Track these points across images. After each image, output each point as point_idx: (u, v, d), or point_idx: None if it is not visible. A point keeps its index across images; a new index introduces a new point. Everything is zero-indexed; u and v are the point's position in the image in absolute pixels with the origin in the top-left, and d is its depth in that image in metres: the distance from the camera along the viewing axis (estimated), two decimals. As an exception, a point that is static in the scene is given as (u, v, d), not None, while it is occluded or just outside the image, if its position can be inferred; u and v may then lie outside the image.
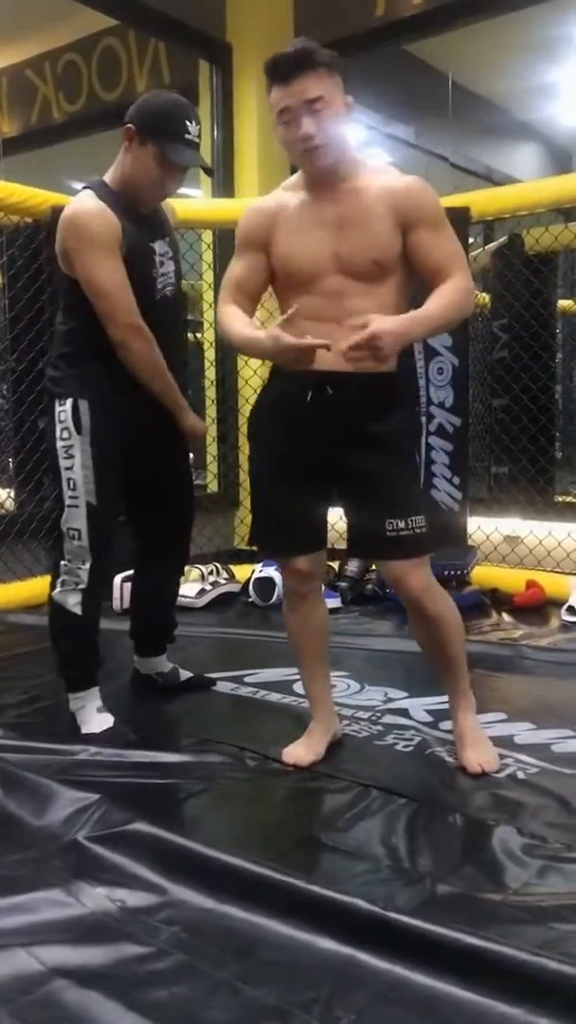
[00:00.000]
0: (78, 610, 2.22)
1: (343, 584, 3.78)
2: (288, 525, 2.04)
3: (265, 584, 3.71)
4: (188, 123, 2.13)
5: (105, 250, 2.09)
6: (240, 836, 1.79)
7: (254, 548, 2.28)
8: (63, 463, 2.18)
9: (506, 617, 3.53)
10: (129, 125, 2.12)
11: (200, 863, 1.54)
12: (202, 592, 3.69)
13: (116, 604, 3.47)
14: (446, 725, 2.25)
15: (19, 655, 2.98)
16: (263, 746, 2.15)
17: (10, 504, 4.17)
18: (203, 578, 3.76)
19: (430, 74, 5.40)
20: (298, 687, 2.62)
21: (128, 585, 3.37)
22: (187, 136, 2.13)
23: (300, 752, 2.09)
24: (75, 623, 2.23)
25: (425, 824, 1.76)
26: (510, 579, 3.80)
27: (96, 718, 2.25)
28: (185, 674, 2.61)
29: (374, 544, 1.98)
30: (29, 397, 3.81)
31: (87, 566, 2.20)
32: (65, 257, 2.15)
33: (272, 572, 3.73)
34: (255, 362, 4.46)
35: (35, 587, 3.68)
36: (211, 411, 4.65)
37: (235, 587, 3.85)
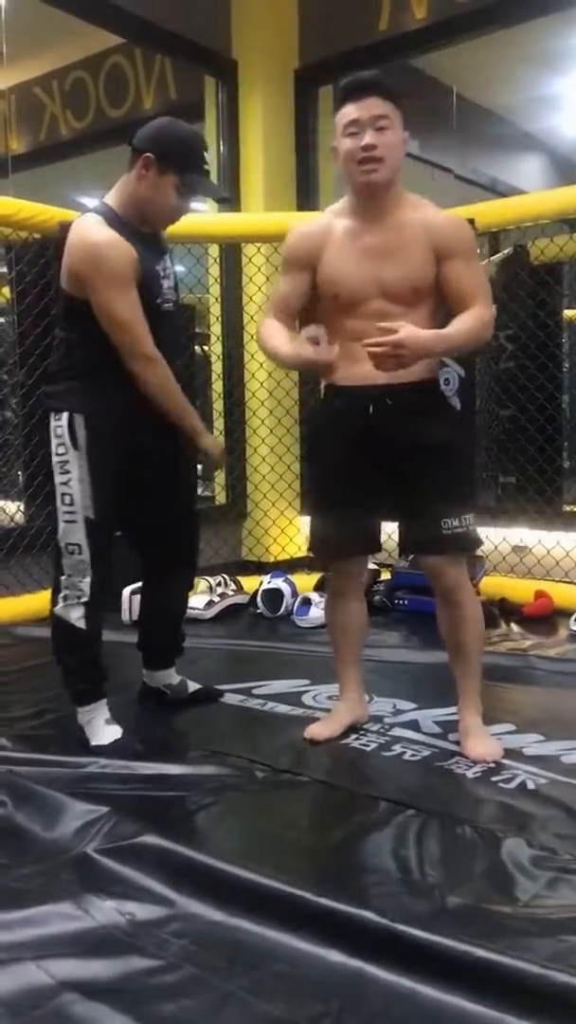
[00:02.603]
0: (82, 624, 2.22)
1: (351, 595, 3.77)
2: (346, 532, 2.21)
3: (273, 595, 3.71)
4: (204, 153, 2.20)
5: (124, 283, 2.11)
6: (249, 848, 1.79)
7: (311, 555, 2.43)
8: (59, 478, 2.18)
9: (515, 627, 3.53)
10: (148, 154, 2.13)
11: (209, 876, 1.54)
12: (210, 604, 3.69)
13: (125, 616, 3.48)
14: (455, 736, 2.25)
15: (28, 668, 2.99)
16: (272, 758, 2.15)
17: (19, 517, 4.18)
18: (211, 590, 3.76)
19: (434, 87, 5.42)
20: (307, 698, 2.63)
21: (137, 597, 3.39)
22: (205, 166, 2.19)
23: (318, 728, 2.28)
24: (79, 637, 2.24)
25: (434, 836, 1.76)
26: (519, 589, 3.79)
27: (105, 730, 2.25)
28: (193, 686, 2.62)
29: (430, 543, 2.14)
30: (39, 411, 3.83)
31: (88, 579, 2.20)
32: (76, 280, 2.15)
33: (280, 583, 3.74)
34: (261, 375, 4.49)
35: (44, 600, 3.67)
36: (219, 423, 4.67)
37: (243, 599, 3.85)
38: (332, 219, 2.14)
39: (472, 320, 2.03)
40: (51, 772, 2.02)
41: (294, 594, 3.73)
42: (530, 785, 1.98)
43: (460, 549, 2.15)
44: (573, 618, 3.43)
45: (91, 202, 7.84)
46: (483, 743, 2.16)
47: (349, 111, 2.02)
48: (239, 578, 4.00)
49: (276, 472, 4.52)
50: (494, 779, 2.02)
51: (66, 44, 5.57)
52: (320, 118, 4.79)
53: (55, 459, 2.19)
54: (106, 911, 1.49)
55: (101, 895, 1.53)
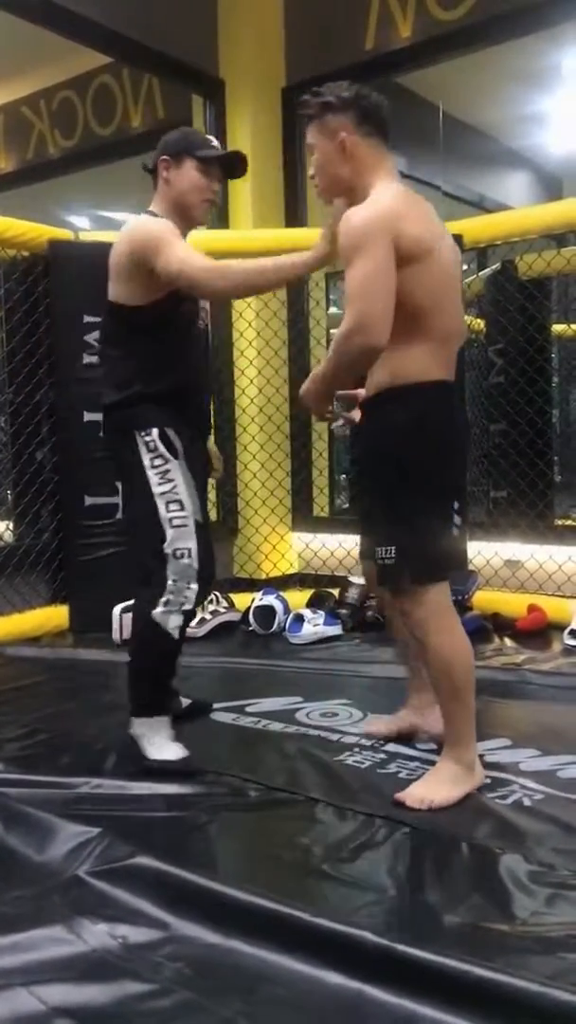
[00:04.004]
0: (176, 633, 2.18)
1: (344, 611, 3.76)
2: (363, 547, 2.33)
3: (265, 612, 3.69)
4: (209, 137, 2.37)
5: (174, 235, 2.16)
6: (244, 869, 1.76)
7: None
8: (160, 488, 2.18)
9: (508, 642, 3.51)
10: (163, 157, 2.27)
11: (203, 897, 1.52)
12: (202, 621, 3.67)
13: (116, 635, 3.46)
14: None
15: (18, 688, 2.96)
16: (266, 776, 2.13)
17: (8, 536, 4.16)
18: (203, 607, 3.74)
19: (421, 105, 5.47)
20: (300, 716, 2.61)
21: (128, 616, 3.36)
22: (213, 143, 2.33)
23: (375, 726, 2.41)
24: (169, 645, 2.20)
25: (431, 853, 1.74)
26: (511, 604, 3.79)
27: (170, 745, 2.21)
28: (185, 701, 2.60)
29: None
30: (27, 429, 3.82)
31: (194, 587, 2.19)
32: (131, 274, 2.17)
33: (272, 600, 3.72)
34: (252, 391, 4.50)
35: (34, 619, 3.68)
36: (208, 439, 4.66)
37: (235, 616, 3.83)
38: None
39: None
40: (42, 793, 1.99)
41: (286, 611, 3.71)
42: (526, 801, 1.97)
43: (381, 580, 2.07)
44: (567, 632, 3.42)
45: (79, 220, 7.81)
46: (420, 787, 1.98)
47: None
48: (231, 595, 3.98)
49: (267, 488, 4.51)
50: (490, 795, 2.00)
51: (53, 64, 5.60)
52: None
53: (152, 471, 2.19)
54: (98, 935, 1.46)
55: (93, 918, 1.50)
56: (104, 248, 2.28)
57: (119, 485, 3.72)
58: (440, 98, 5.49)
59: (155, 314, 2.21)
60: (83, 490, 3.78)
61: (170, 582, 2.17)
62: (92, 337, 3.74)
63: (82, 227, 6.86)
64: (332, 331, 5.00)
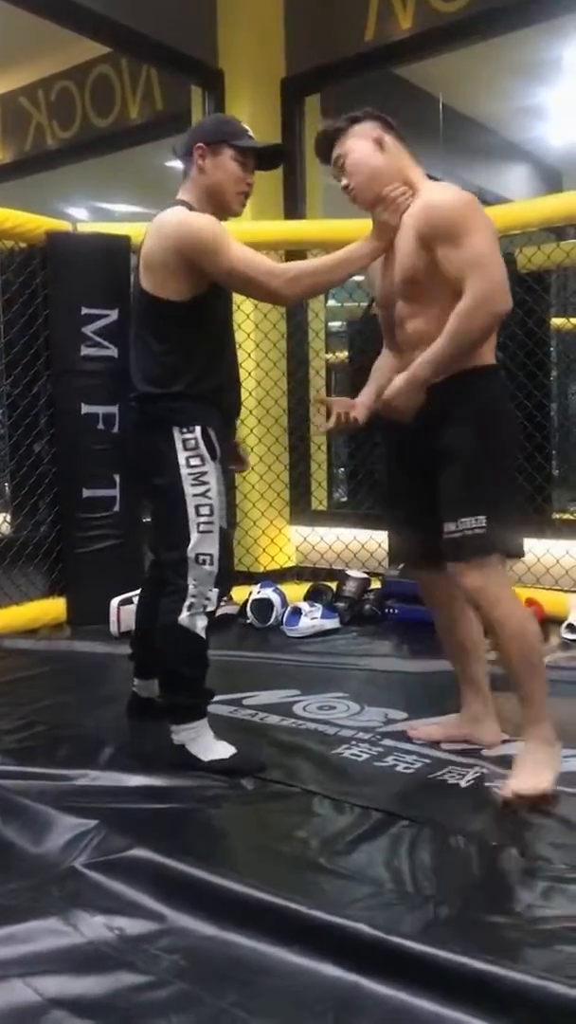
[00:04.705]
0: (203, 634, 2.16)
1: (341, 604, 3.76)
2: (406, 539, 2.32)
3: (263, 605, 3.69)
4: (245, 126, 2.26)
5: (230, 236, 2.11)
6: (241, 861, 1.77)
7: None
8: (193, 489, 2.13)
9: (505, 635, 3.51)
10: (198, 144, 2.19)
11: (200, 889, 1.52)
12: (200, 614, 3.66)
13: (113, 628, 3.45)
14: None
15: (15, 680, 2.96)
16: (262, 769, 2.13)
17: (6, 528, 4.16)
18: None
19: (420, 97, 5.45)
20: (297, 709, 2.61)
21: (126, 608, 3.36)
22: (249, 133, 2.25)
23: (424, 731, 2.33)
24: (201, 648, 2.17)
25: (428, 846, 1.74)
26: (509, 597, 3.78)
27: (219, 744, 2.18)
28: (148, 693, 2.56)
29: (444, 547, 2.04)
30: (24, 421, 3.81)
31: (215, 591, 2.16)
32: (174, 270, 2.11)
33: (270, 593, 3.72)
34: (250, 383, 4.48)
35: (31, 611, 3.67)
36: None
37: (232, 609, 3.82)
38: None
39: (450, 323, 1.93)
40: (39, 785, 1.99)
41: (284, 604, 3.71)
42: (524, 794, 1.97)
43: (455, 556, 2.00)
44: (564, 626, 3.43)
45: (77, 212, 7.75)
46: (520, 779, 1.94)
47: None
48: (228, 588, 3.97)
49: (265, 481, 4.50)
50: (488, 788, 2.00)
51: (52, 54, 5.57)
52: (307, 127, 4.80)
53: (187, 471, 2.13)
54: (95, 926, 1.46)
55: (90, 910, 1.50)
56: (102, 240, 2.26)
57: (116, 478, 3.77)
58: (440, 90, 5.47)
59: (198, 308, 2.15)
60: (81, 482, 3.78)
61: (191, 587, 2.14)
62: (90, 329, 3.74)
63: (80, 218, 6.85)
64: (331, 324, 4.99)
